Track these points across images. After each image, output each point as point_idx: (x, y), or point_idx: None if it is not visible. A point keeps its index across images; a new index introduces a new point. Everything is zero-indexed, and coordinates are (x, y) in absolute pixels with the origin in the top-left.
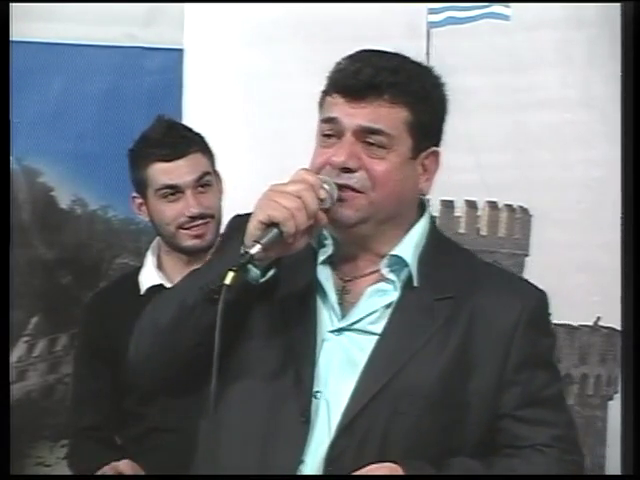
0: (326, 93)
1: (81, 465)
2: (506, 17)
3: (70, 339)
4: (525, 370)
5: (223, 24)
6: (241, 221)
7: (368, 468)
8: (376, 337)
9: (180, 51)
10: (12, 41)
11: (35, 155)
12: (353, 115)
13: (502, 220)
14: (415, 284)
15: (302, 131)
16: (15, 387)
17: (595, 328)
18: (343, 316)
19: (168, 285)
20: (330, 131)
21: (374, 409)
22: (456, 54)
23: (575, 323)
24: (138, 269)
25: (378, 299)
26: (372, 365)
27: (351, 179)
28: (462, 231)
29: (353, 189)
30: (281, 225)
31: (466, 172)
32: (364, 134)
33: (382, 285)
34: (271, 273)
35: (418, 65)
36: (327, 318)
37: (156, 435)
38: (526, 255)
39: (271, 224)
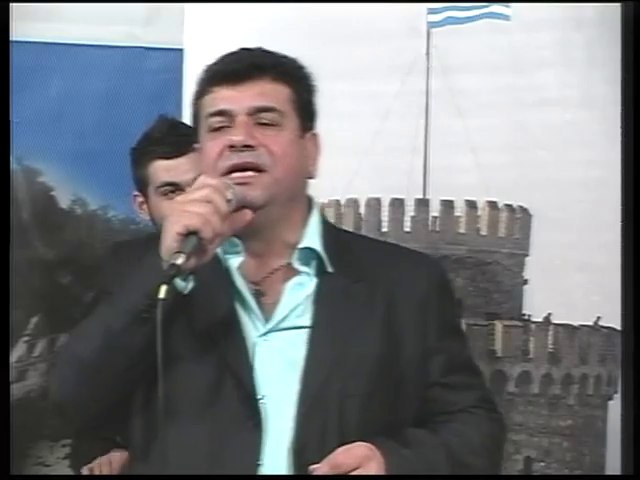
0: (202, 92)
1: (83, 465)
2: (506, 17)
3: None
4: (444, 337)
5: (223, 24)
6: (117, 247)
7: (344, 448)
8: (306, 330)
9: (180, 51)
10: (12, 41)
11: (35, 155)
12: (241, 98)
13: (502, 220)
14: (329, 270)
15: None
16: (15, 387)
17: (595, 328)
18: (267, 318)
19: None
20: (220, 123)
21: (325, 398)
22: (456, 54)
23: (575, 323)
24: None
25: (298, 292)
26: (312, 358)
27: (253, 156)
28: (462, 231)
29: (256, 168)
30: (199, 232)
31: (466, 172)
32: (256, 114)
33: (298, 278)
34: (191, 285)
35: (282, 54)
36: (250, 323)
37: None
38: (526, 255)
39: (189, 233)
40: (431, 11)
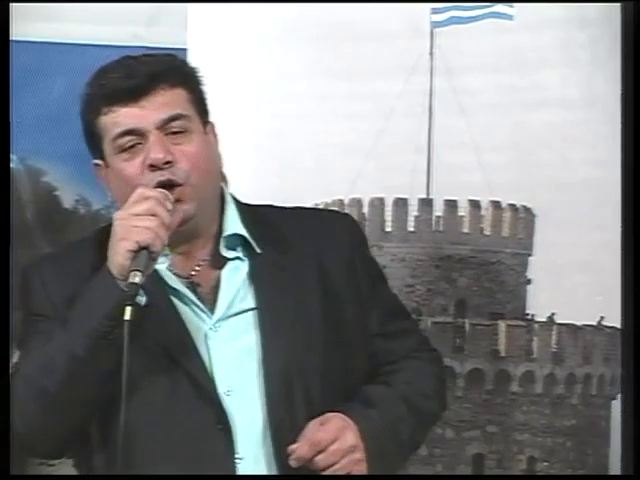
0: (98, 112)
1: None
2: (510, 17)
3: None
4: (375, 286)
5: (227, 24)
6: (39, 269)
7: (317, 423)
8: (251, 312)
9: (184, 51)
10: (15, 41)
11: (39, 155)
12: (147, 114)
13: (506, 220)
14: (258, 251)
15: (306, 131)
16: None
17: (599, 328)
18: (211, 309)
19: None
20: (130, 142)
21: (288, 374)
22: (459, 54)
23: (579, 323)
24: None
25: (235, 277)
26: (266, 338)
27: (174, 172)
28: (466, 231)
29: (177, 183)
30: (150, 246)
31: (469, 172)
32: (164, 126)
33: (231, 264)
34: (144, 298)
35: (165, 54)
36: (196, 318)
37: None
38: (530, 255)
39: (140, 249)
40: (435, 11)
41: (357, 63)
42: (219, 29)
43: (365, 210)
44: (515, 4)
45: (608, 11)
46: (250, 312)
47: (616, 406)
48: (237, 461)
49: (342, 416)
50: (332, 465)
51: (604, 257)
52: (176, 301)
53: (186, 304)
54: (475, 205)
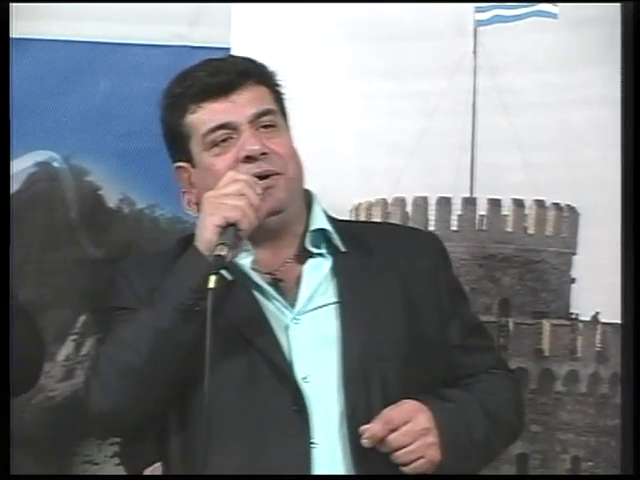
0: (186, 111)
1: (132, 463)
2: (553, 15)
3: None
4: (456, 302)
5: (269, 24)
6: (125, 269)
7: (392, 406)
8: (332, 306)
9: (227, 50)
10: (58, 40)
11: (83, 154)
12: (238, 108)
13: (549, 219)
14: (342, 249)
15: (347, 131)
16: (63, 385)
17: None
18: (292, 303)
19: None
20: (223, 136)
21: (366, 365)
22: (503, 52)
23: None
24: None
25: (316, 272)
26: (346, 330)
27: (271, 163)
28: (509, 230)
29: (274, 172)
30: (238, 223)
31: (513, 171)
32: (256, 120)
33: (313, 260)
34: (229, 277)
35: (242, 57)
36: (277, 312)
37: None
38: (574, 254)
39: (227, 225)
40: (478, 9)
41: (400, 62)
42: (262, 29)
43: (408, 209)
44: (559, 3)
45: None
46: (331, 306)
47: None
48: (313, 446)
49: (417, 402)
50: (405, 446)
51: None
52: (258, 295)
53: (268, 299)
54: (519, 204)
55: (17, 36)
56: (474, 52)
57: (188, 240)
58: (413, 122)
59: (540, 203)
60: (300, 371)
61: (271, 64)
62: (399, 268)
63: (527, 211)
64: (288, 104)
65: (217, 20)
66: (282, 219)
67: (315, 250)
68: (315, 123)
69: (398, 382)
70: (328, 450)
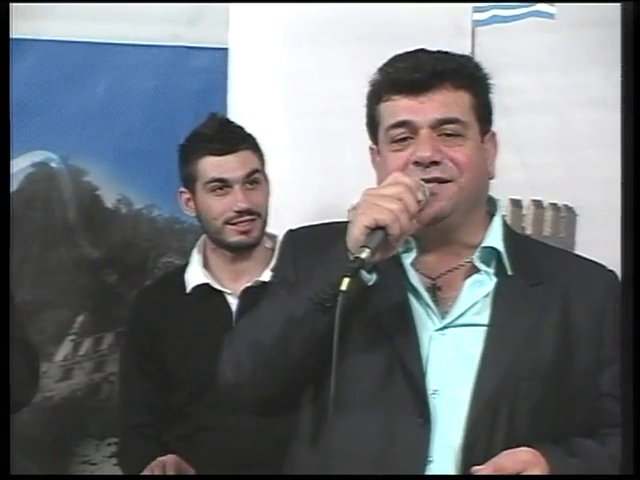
0: (380, 98)
1: (130, 463)
2: (551, 15)
3: (116, 338)
4: (616, 347)
5: (268, 23)
6: (296, 235)
7: (508, 452)
8: (482, 328)
9: (225, 50)
10: (56, 41)
11: (80, 154)
12: (424, 109)
13: (547, 219)
14: (509, 273)
15: (347, 131)
16: (61, 386)
17: None
18: (442, 313)
19: (214, 284)
20: (403, 134)
21: (498, 398)
22: (501, 53)
23: None
24: (183, 268)
25: (477, 290)
26: (489, 356)
27: (439, 171)
28: None
29: (442, 180)
30: (387, 228)
31: (511, 171)
32: (439, 126)
33: (478, 276)
34: (374, 277)
35: (459, 54)
36: (426, 318)
37: (202, 434)
38: None
39: (377, 228)
40: (476, 9)
41: None
42: (260, 28)
43: None
44: (557, 3)
45: None
46: (481, 327)
47: None
48: (429, 460)
49: (535, 452)
50: None
51: None
52: (411, 297)
53: (420, 303)
54: (516, 204)
55: (17, 36)
56: (472, 52)
57: None
58: None
59: (538, 203)
60: (431, 383)
61: (270, 64)
62: (564, 303)
63: (525, 211)
64: (489, 111)
65: (215, 20)
66: (448, 227)
67: (483, 267)
68: (313, 123)
69: (528, 425)
70: (441, 470)
